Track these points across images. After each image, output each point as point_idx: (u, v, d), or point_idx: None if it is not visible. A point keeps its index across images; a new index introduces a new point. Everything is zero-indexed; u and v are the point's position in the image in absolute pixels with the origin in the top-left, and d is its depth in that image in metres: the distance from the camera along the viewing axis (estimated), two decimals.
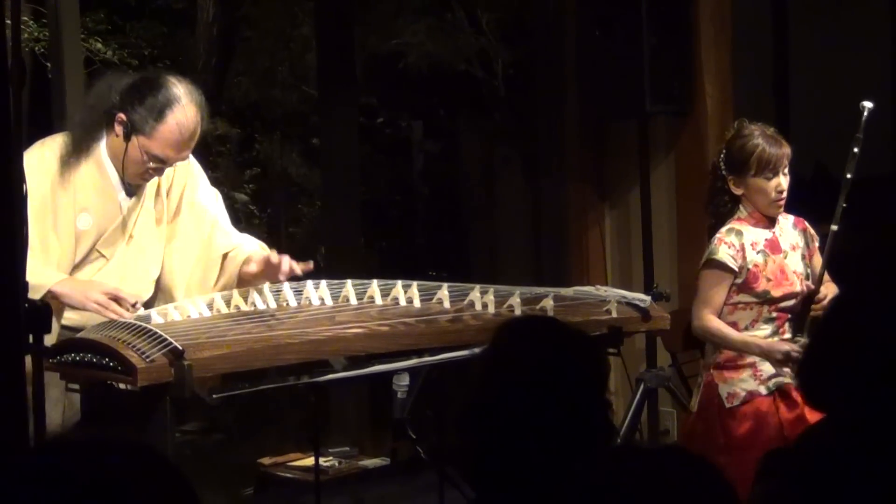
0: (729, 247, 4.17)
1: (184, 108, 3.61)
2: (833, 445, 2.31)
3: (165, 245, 3.82)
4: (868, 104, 4.20)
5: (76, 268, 3.69)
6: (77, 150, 3.65)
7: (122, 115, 3.61)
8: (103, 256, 3.72)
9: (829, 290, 4.24)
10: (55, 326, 3.50)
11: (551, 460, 2.07)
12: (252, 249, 3.84)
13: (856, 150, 4.15)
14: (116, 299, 3.52)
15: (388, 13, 8.19)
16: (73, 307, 3.57)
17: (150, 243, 3.80)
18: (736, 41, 5.68)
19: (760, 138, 4.17)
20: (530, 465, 2.12)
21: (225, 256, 3.85)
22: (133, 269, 3.76)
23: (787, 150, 4.18)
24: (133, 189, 3.74)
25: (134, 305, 3.53)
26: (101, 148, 3.68)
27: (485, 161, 7.80)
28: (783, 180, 4.18)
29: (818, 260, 4.29)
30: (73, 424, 3.56)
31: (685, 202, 5.72)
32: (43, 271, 3.53)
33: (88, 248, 3.69)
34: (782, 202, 4.22)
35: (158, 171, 3.69)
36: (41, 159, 3.61)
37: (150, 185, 3.78)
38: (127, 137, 3.61)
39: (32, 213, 3.30)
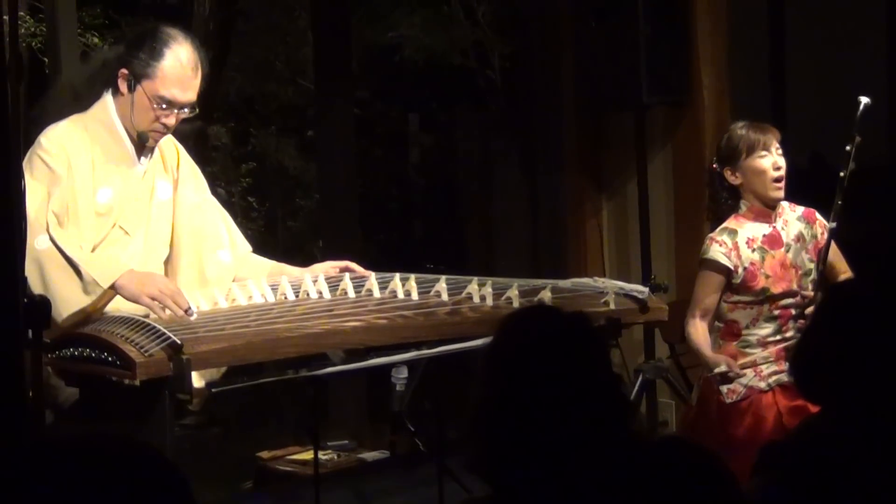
0: (720, 245, 4.15)
1: (180, 44, 3.68)
2: (828, 438, 2.31)
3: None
4: (865, 99, 4.13)
5: (97, 247, 3.64)
6: (91, 122, 3.68)
7: (124, 70, 3.67)
8: (127, 234, 3.69)
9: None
10: None
11: (570, 445, 2.05)
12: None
13: (848, 147, 4.09)
14: (173, 297, 3.46)
15: (384, 6, 8.19)
16: (127, 299, 3.53)
17: (166, 217, 3.80)
18: (732, 31, 5.69)
19: (743, 127, 4.21)
20: (549, 452, 2.10)
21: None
22: (154, 245, 3.75)
23: (774, 131, 4.20)
24: (147, 151, 3.75)
25: (187, 311, 3.45)
26: (113, 115, 3.69)
27: (481, 153, 7.80)
28: (778, 158, 4.16)
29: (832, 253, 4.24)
30: (71, 420, 3.55)
31: (683, 193, 5.72)
32: (103, 261, 3.53)
33: (110, 224, 3.66)
34: (782, 184, 4.18)
35: (167, 120, 3.68)
36: (63, 137, 3.61)
37: (156, 162, 3.78)
38: (132, 88, 3.65)
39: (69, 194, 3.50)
